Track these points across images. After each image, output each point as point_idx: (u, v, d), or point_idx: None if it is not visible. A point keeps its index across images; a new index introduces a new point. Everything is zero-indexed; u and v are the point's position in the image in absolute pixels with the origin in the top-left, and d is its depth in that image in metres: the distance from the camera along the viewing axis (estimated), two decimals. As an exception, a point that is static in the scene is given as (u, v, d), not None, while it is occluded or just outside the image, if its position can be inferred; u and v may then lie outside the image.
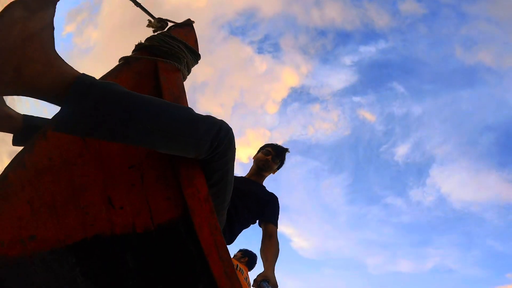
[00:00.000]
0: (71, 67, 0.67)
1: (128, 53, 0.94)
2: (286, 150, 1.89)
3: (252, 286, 1.23)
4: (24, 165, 0.62)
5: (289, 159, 1.96)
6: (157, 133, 0.65)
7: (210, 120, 0.75)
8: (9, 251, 0.57)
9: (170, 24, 1.09)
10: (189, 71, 1.03)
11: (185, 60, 0.99)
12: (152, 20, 1.10)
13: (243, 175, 1.94)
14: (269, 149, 1.83)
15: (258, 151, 1.90)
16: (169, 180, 0.71)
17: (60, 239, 0.61)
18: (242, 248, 3.01)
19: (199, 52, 1.06)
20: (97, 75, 0.74)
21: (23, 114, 1.00)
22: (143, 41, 0.96)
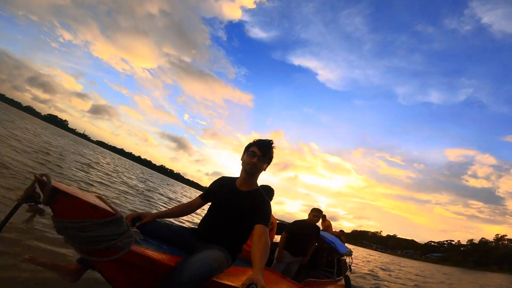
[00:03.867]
0: None
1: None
2: (271, 145, 1.79)
3: None
4: None
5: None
6: None
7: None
8: None
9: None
10: (131, 237, 1.13)
11: (119, 240, 1.06)
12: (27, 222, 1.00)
13: (237, 176, 1.89)
14: (254, 149, 1.74)
15: (244, 152, 1.82)
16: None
17: None
18: None
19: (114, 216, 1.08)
20: None
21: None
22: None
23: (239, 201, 1.73)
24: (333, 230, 6.68)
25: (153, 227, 1.57)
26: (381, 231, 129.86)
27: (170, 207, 1.70)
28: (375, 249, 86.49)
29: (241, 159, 1.83)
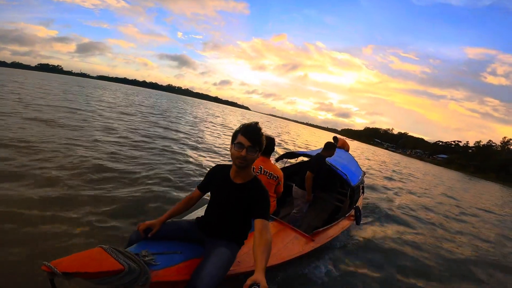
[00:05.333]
0: None
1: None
2: (260, 130, 1.58)
3: None
4: None
5: None
6: None
7: None
8: None
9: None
10: (147, 274, 1.30)
11: (139, 281, 1.25)
12: None
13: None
14: (241, 139, 1.54)
15: (231, 142, 1.61)
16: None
17: None
18: None
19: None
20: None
21: None
22: None
23: (235, 196, 1.65)
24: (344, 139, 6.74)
25: (164, 231, 1.66)
26: (393, 129, 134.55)
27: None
28: (386, 148, 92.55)
29: (230, 151, 1.63)
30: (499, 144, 68.51)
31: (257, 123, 1.64)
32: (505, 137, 68.34)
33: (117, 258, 1.24)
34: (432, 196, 11.57)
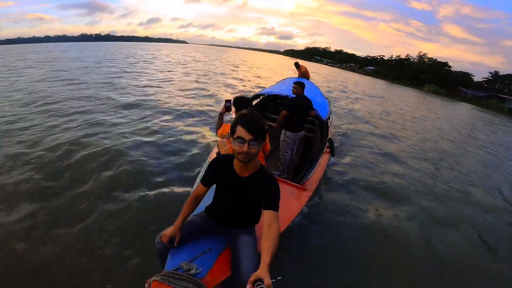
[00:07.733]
0: None
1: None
2: (261, 121, 1.41)
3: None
4: None
5: None
6: None
7: None
8: None
9: None
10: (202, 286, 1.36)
11: None
12: None
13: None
14: (241, 133, 1.39)
15: (231, 134, 1.49)
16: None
17: None
18: None
19: None
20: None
21: None
22: None
23: (243, 189, 1.57)
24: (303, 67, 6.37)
25: (184, 235, 1.62)
26: (330, 47, 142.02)
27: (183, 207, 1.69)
28: (326, 64, 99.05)
29: (226, 138, 1.49)
30: (416, 57, 79.66)
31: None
32: (420, 52, 79.70)
33: (176, 286, 1.30)
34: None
